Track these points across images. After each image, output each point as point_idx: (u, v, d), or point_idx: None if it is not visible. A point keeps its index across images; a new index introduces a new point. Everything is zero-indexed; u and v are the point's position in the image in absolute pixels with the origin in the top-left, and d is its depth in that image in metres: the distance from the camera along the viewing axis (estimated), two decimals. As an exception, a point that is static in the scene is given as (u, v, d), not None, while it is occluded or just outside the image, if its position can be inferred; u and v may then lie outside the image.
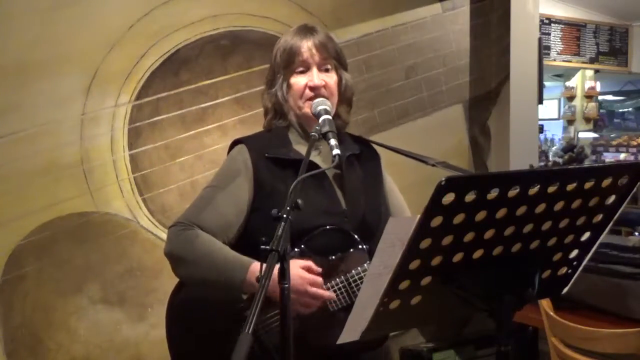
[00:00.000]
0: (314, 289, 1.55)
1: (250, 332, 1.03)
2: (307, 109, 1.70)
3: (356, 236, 1.67)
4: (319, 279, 1.57)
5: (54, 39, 2.53)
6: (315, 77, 1.69)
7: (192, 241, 1.62)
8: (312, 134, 1.54)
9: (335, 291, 1.61)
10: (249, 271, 1.55)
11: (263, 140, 1.76)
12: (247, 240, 1.68)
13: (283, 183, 1.65)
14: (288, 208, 1.27)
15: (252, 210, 1.69)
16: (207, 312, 1.70)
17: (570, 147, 1.58)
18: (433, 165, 1.71)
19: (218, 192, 1.69)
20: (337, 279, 1.62)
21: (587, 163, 6.15)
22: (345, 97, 1.78)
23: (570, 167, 1.57)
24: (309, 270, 1.56)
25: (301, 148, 1.73)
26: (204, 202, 1.69)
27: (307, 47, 1.70)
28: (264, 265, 1.18)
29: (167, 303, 1.79)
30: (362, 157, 1.80)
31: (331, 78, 1.72)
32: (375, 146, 1.87)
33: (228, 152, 1.79)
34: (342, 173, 1.71)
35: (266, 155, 1.70)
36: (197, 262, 1.61)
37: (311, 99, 1.69)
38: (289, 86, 1.71)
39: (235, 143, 1.77)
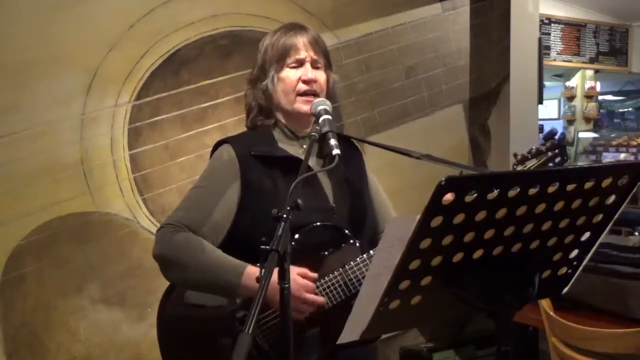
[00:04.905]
0: (310, 296, 1.55)
1: (250, 332, 1.03)
2: (298, 104, 1.70)
3: (347, 231, 1.67)
4: (312, 285, 1.57)
5: (54, 39, 2.53)
6: (309, 71, 1.70)
7: (183, 244, 1.60)
8: (312, 134, 1.54)
9: (330, 286, 1.61)
10: (244, 275, 1.55)
11: (248, 138, 1.75)
12: (236, 240, 1.67)
13: (271, 180, 1.66)
14: (288, 208, 1.28)
15: (240, 209, 1.67)
16: (198, 318, 1.69)
17: (550, 135, 1.57)
18: (418, 158, 1.71)
19: (206, 193, 1.68)
20: (331, 275, 1.62)
21: (584, 161, 6.14)
22: (329, 97, 1.78)
23: (570, 167, 1.57)
24: (304, 276, 1.57)
25: (286, 147, 1.73)
26: (192, 203, 1.68)
27: (302, 42, 1.71)
28: (264, 265, 1.18)
29: (157, 310, 1.78)
30: (345, 155, 1.80)
31: (322, 75, 1.73)
32: (367, 145, 1.88)
33: (211, 153, 1.78)
34: (328, 170, 1.71)
35: (252, 153, 1.69)
36: (189, 266, 1.60)
37: (304, 93, 1.69)
38: (280, 80, 1.71)
39: (219, 144, 1.77)
